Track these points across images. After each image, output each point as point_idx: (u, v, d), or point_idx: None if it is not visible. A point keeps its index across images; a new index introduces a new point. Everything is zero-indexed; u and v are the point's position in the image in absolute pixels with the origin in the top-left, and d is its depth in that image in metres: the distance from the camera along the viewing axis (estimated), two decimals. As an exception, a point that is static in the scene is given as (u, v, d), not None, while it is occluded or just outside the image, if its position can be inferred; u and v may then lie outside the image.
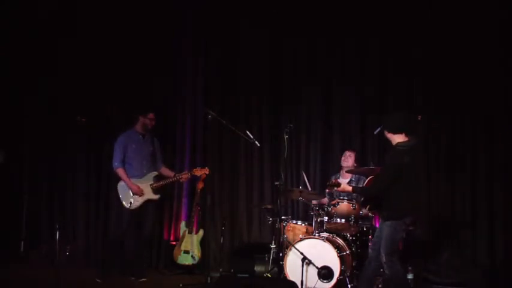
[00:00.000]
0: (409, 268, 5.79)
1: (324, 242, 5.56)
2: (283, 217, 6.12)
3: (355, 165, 6.33)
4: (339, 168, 6.58)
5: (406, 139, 4.89)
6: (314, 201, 6.16)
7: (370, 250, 5.07)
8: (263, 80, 7.23)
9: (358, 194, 5.63)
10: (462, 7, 6.57)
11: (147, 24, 7.32)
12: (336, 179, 5.42)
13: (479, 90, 6.54)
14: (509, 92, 6.44)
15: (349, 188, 5.23)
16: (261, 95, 7.24)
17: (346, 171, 6.40)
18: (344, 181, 6.38)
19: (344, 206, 5.94)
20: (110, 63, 7.37)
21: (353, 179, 6.37)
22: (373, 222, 6.03)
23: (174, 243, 6.89)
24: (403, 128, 4.91)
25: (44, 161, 7.47)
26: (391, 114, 5.28)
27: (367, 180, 5.35)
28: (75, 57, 7.41)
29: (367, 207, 5.26)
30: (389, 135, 4.97)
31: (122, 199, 6.16)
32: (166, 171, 6.47)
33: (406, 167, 4.82)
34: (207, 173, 6.33)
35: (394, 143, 4.93)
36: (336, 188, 5.31)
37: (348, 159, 6.37)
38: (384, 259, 4.81)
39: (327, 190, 5.27)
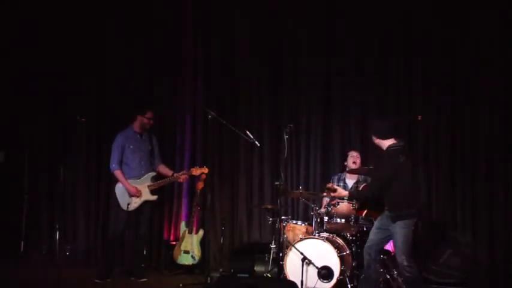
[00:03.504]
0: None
1: (324, 242, 5.56)
2: (283, 217, 6.11)
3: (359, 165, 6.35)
4: (343, 168, 6.58)
5: (395, 142, 4.99)
6: (321, 210, 6.16)
7: (366, 256, 5.06)
8: (263, 80, 7.23)
9: (355, 199, 5.55)
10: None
11: (147, 23, 7.33)
12: (332, 183, 5.41)
13: (479, 90, 6.53)
14: (509, 91, 6.44)
15: (345, 193, 5.22)
16: (261, 94, 7.24)
17: (348, 172, 6.41)
18: (351, 182, 6.40)
19: (344, 206, 5.93)
20: (110, 63, 7.39)
21: (360, 180, 6.38)
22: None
23: (174, 243, 6.89)
24: (392, 133, 5.02)
25: (44, 160, 7.48)
26: (378, 121, 5.31)
27: (361, 187, 5.33)
28: (75, 57, 7.42)
29: (364, 212, 5.26)
30: (378, 141, 5.07)
31: (119, 201, 6.16)
32: (164, 169, 6.45)
33: (404, 166, 4.90)
34: (206, 172, 6.32)
35: (384, 147, 5.02)
36: (332, 194, 5.31)
37: (357, 160, 6.38)
38: (405, 262, 4.81)
39: (325, 194, 5.31)
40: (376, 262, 5.08)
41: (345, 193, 5.23)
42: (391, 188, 4.87)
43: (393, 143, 4.98)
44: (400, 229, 4.84)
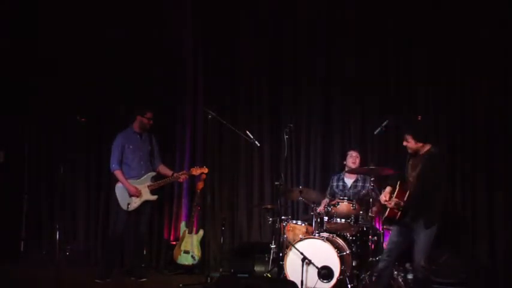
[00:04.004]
0: (409, 268, 5.78)
1: (324, 242, 5.56)
2: (283, 217, 6.12)
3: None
4: (342, 167, 6.59)
5: (430, 146, 4.99)
6: (319, 208, 6.18)
7: (386, 257, 5.05)
8: (263, 80, 7.23)
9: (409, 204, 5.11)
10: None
11: (147, 23, 7.33)
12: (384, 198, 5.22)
13: (479, 90, 6.53)
14: (508, 91, 6.43)
15: (396, 200, 5.03)
16: (260, 94, 7.24)
17: (347, 171, 6.41)
18: (350, 181, 6.40)
19: (344, 206, 5.94)
20: (110, 63, 7.39)
21: (359, 179, 6.38)
22: (373, 223, 6.02)
23: (174, 243, 6.89)
24: (429, 137, 5.04)
25: (44, 160, 7.48)
26: (419, 122, 5.29)
27: (397, 188, 5.12)
28: (75, 57, 7.43)
29: (398, 215, 5.13)
30: (417, 145, 4.99)
31: (119, 201, 6.17)
32: (164, 169, 6.46)
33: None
34: (206, 172, 6.34)
35: (421, 151, 4.99)
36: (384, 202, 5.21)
37: (356, 160, 6.37)
38: (422, 263, 4.85)
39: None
40: (394, 266, 5.06)
41: (396, 200, 5.00)
42: (440, 191, 4.92)
43: (430, 148, 4.98)
44: (425, 231, 4.87)
